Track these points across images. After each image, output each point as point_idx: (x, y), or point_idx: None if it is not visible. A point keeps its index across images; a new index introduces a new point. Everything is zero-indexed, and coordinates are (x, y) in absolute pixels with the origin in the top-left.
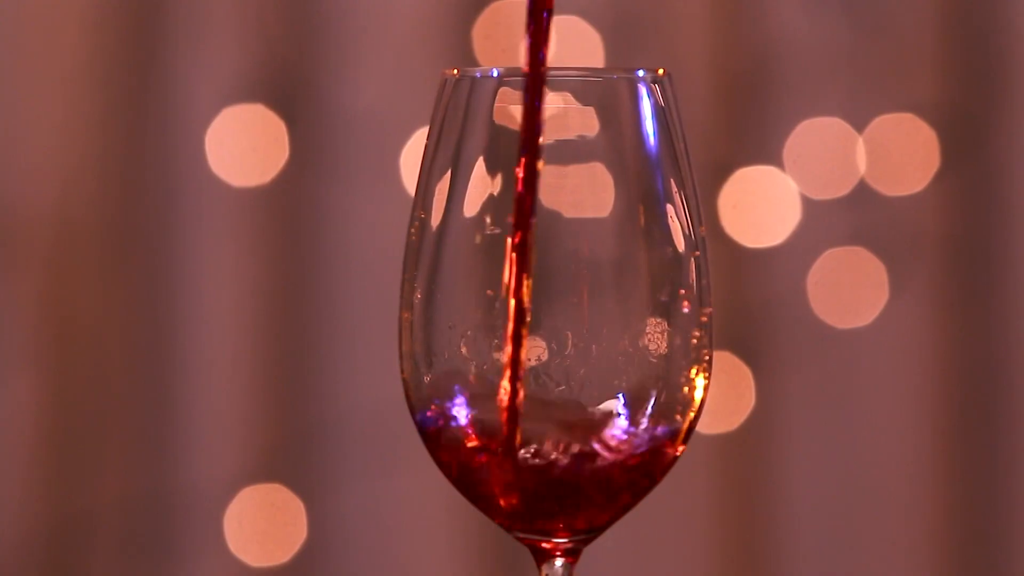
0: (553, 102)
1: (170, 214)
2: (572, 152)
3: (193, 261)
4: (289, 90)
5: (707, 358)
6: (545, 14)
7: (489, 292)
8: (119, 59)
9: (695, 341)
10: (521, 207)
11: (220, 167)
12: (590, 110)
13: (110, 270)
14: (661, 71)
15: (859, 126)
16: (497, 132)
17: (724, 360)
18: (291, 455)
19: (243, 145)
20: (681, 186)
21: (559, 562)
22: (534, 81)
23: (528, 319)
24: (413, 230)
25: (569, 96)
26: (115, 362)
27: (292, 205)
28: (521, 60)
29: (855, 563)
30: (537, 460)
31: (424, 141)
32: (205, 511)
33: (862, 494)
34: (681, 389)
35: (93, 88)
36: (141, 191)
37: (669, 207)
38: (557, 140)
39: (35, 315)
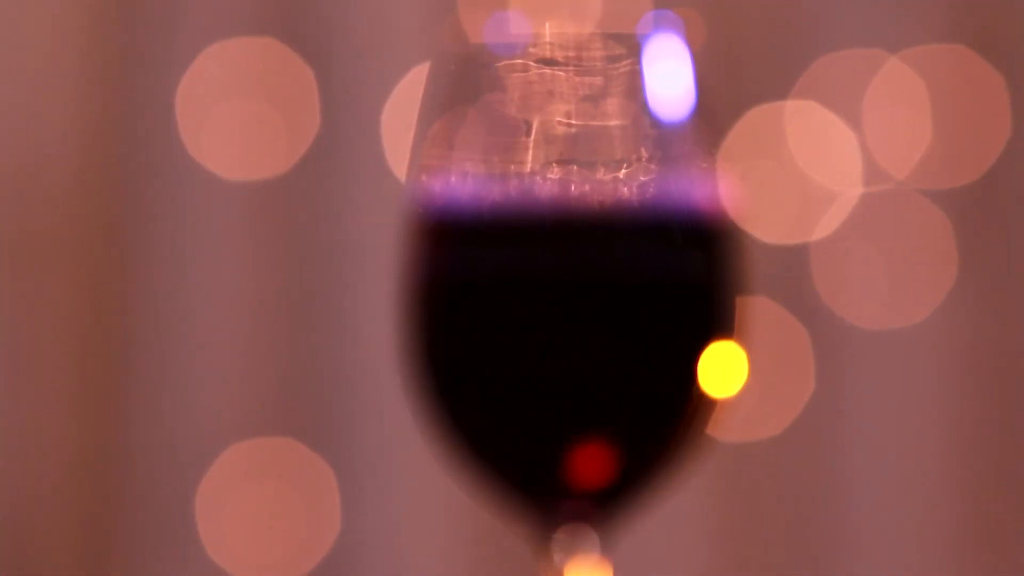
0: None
1: (170, 211)
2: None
3: (193, 258)
4: (289, 86)
5: None
6: None
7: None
8: (119, 56)
9: None
10: None
11: (220, 164)
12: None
13: (112, 268)
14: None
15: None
16: (492, 118)
17: None
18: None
19: (245, 142)
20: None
21: (560, 559)
22: None
23: None
24: (410, 221)
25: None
26: (117, 360)
27: (294, 202)
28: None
29: (860, 561)
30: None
31: (419, 130)
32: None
33: (865, 492)
34: None
35: (90, 83)
36: (139, 188)
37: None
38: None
39: (19, 310)
